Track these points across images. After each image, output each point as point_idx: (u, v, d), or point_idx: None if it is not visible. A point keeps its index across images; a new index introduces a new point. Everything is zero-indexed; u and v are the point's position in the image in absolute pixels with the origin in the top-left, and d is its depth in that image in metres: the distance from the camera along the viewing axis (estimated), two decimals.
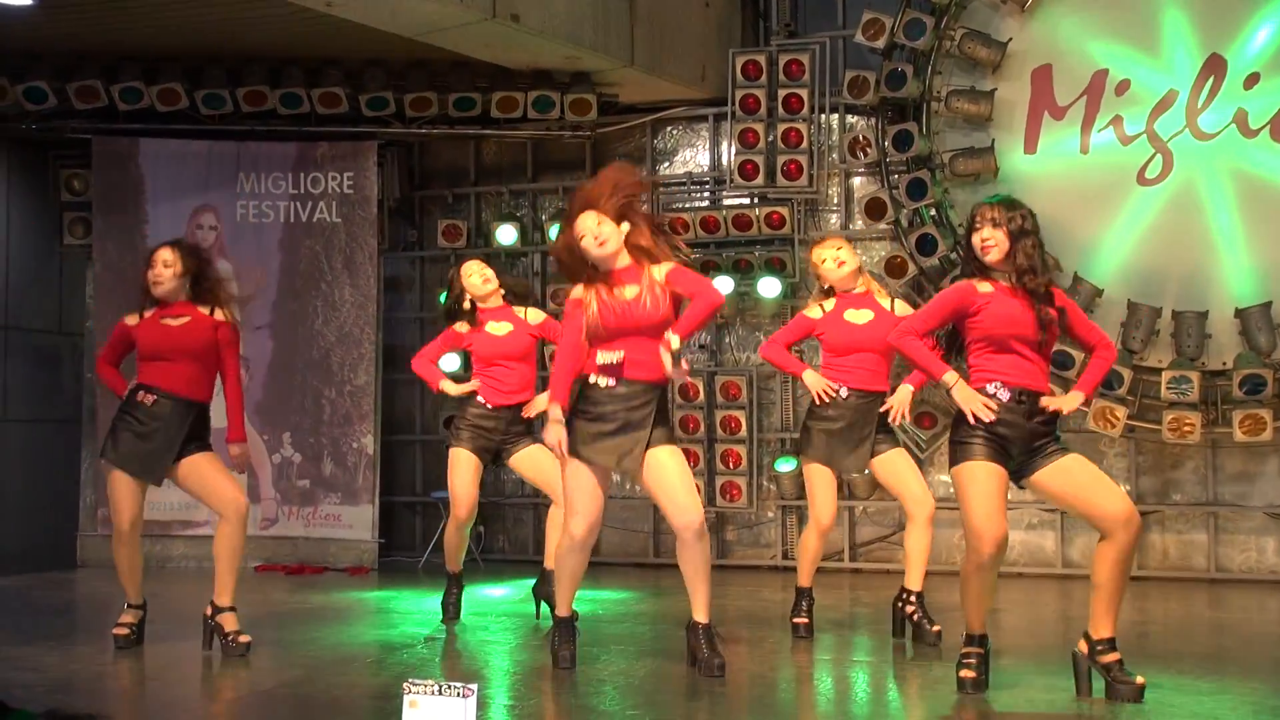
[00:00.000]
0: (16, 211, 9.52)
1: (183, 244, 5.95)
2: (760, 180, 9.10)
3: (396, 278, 10.24)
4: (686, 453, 8.95)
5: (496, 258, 9.86)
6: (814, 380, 6.09)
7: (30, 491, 9.44)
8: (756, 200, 9.29)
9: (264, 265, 9.49)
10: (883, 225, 8.93)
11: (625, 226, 5.14)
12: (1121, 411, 8.20)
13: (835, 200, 9.35)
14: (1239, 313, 8.23)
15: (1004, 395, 4.78)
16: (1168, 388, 8.14)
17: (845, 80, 8.97)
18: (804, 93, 9.09)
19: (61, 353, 9.83)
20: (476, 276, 6.67)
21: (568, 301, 5.21)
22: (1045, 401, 4.80)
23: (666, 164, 9.84)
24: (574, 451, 5.13)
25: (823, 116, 9.25)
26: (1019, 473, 4.82)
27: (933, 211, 8.81)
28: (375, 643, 6.34)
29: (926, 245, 8.68)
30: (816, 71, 9.15)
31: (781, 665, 5.70)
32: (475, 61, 8.89)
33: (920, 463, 8.80)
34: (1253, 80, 8.32)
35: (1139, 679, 4.74)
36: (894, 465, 6.07)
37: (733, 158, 9.20)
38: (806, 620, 6.20)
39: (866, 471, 6.27)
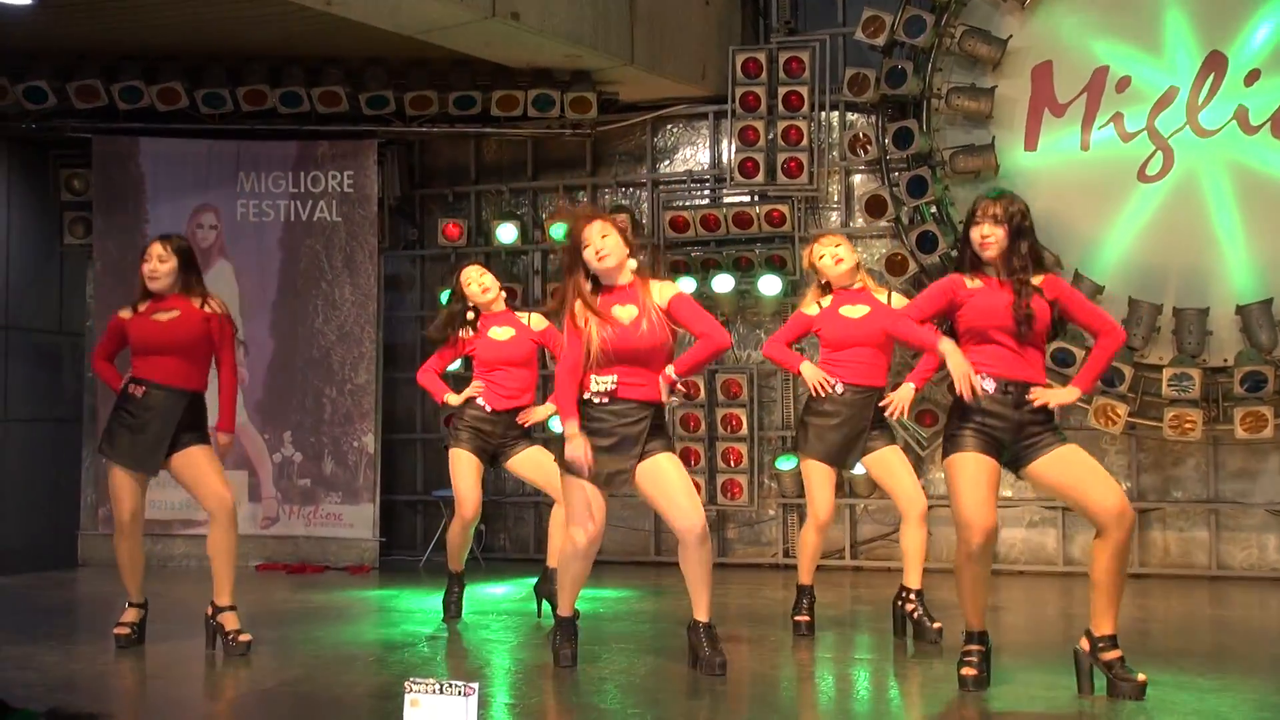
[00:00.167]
0: (17, 211, 9.51)
1: (174, 238, 5.98)
2: (761, 178, 9.10)
3: (397, 276, 10.23)
4: (687, 451, 9.07)
5: (497, 256, 9.88)
6: (810, 372, 6.11)
7: (31, 490, 9.44)
8: (757, 198, 9.29)
9: (264, 264, 9.48)
10: (883, 223, 8.93)
11: (633, 263, 5.15)
12: (1122, 408, 8.20)
13: (836, 198, 9.34)
14: (1240, 309, 8.22)
15: (989, 386, 4.79)
16: (1169, 385, 8.13)
17: (845, 78, 8.96)
18: (804, 90, 9.09)
19: (62, 352, 9.83)
20: (475, 285, 6.69)
21: (567, 320, 5.17)
22: (1034, 394, 4.78)
23: (667, 162, 9.83)
24: (571, 471, 5.14)
25: (823, 114, 9.25)
26: (1015, 463, 4.82)
27: (933, 209, 8.81)
28: (376, 641, 6.34)
29: (927, 243, 8.68)
30: (817, 69, 9.15)
31: (783, 663, 5.70)
32: (475, 60, 8.88)
33: (920, 461, 8.82)
34: (1253, 77, 8.32)
35: (1140, 676, 4.74)
36: (887, 462, 6.07)
37: (733, 155, 9.20)
38: (808, 618, 6.20)
39: (861, 470, 6.27)
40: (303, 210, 9.50)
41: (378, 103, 9.19)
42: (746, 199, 9.35)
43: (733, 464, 9.17)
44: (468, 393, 6.67)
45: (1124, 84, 8.54)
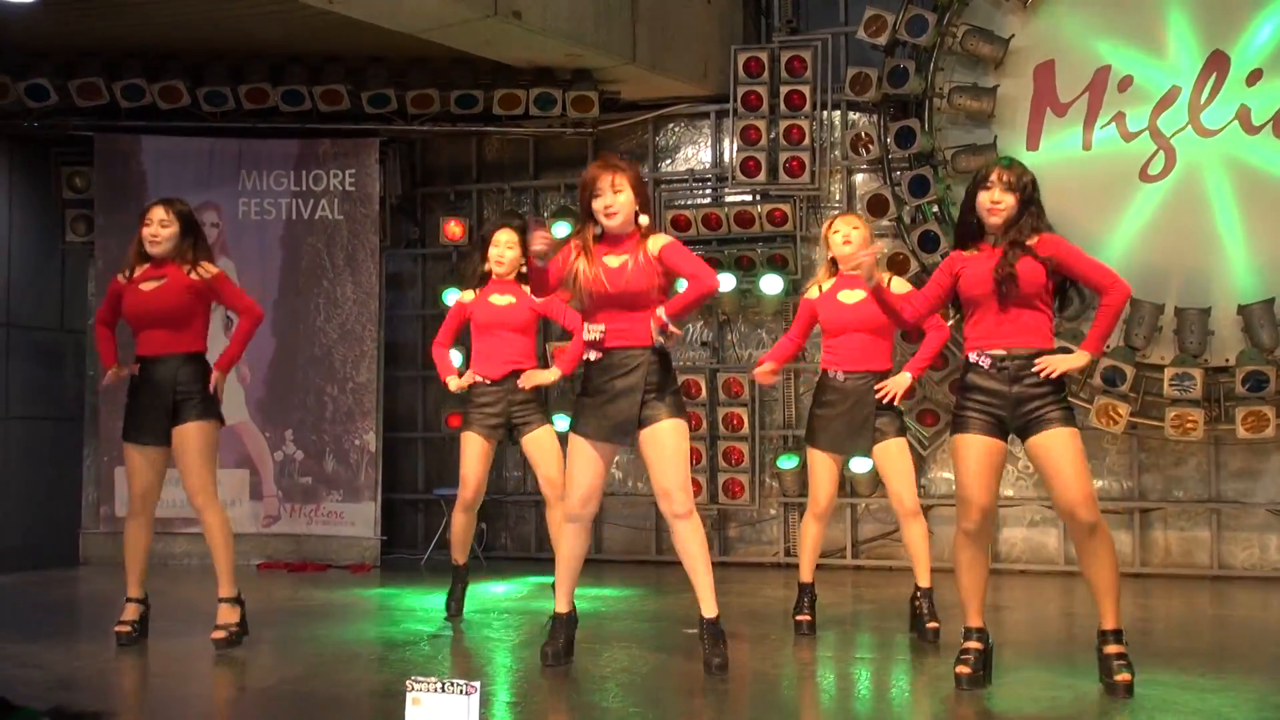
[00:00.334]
0: (18, 209, 9.50)
1: (175, 201, 5.91)
2: (762, 177, 9.09)
3: (398, 275, 10.23)
4: (690, 450, 9.02)
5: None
6: (764, 367, 6.18)
7: (32, 489, 9.44)
8: (759, 197, 9.28)
9: (266, 263, 9.48)
10: (885, 222, 8.93)
11: (643, 219, 5.13)
12: (1124, 408, 8.19)
13: (837, 197, 9.34)
14: (1242, 309, 8.21)
15: (985, 362, 4.78)
16: (1170, 384, 8.12)
17: (847, 77, 8.96)
18: (806, 89, 9.08)
19: (63, 350, 9.82)
20: (497, 249, 6.63)
21: (565, 266, 5.16)
22: (1040, 362, 4.72)
23: (669, 161, 9.83)
24: (574, 428, 5.17)
25: (825, 113, 9.24)
26: (1022, 433, 4.78)
27: (935, 208, 8.80)
28: (378, 640, 6.33)
29: (929, 242, 8.67)
30: (819, 68, 9.14)
31: (784, 662, 5.69)
32: (477, 58, 8.87)
33: (922, 460, 8.82)
34: (1255, 77, 8.31)
35: (1122, 675, 4.70)
36: (887, 454, 6.05)
37: (735, 155, 9.19)
38: (808, 617, 6.19)
39: (862, 469, 6.26)
40: (304, 208, 9.50)
41: (379, 101, 9.18)
42: (748, 198, 9.35)
43: (734, 463, 9.16)
44: (466, 380, 6.65)
45: (1126, 83, 8.54)
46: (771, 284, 9.11)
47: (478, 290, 6.68)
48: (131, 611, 5.90)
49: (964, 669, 4.85)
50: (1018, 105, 8.72)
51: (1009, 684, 4.97)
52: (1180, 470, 8.63)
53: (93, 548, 9.49)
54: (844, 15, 9.38)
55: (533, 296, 6.55)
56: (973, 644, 4.89)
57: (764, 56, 9.16)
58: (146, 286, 5.78)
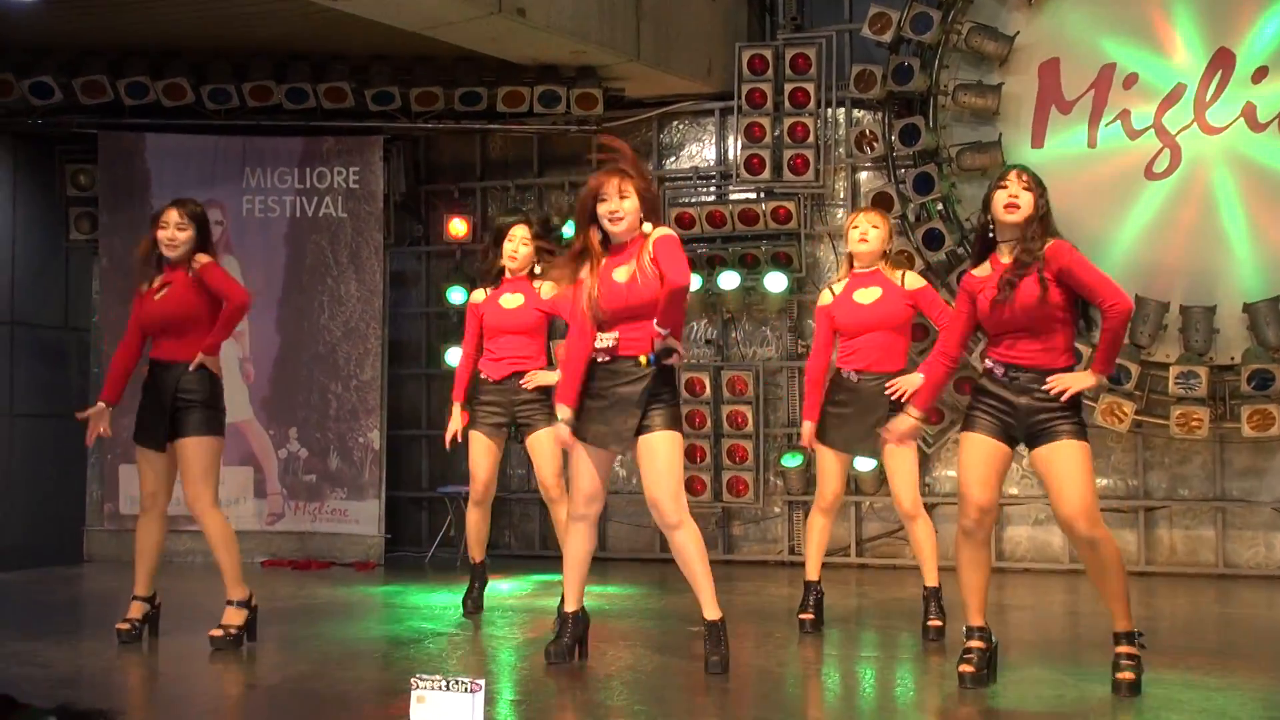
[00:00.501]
0: (22, 207, 9.50)
1: (188, 203, 5.87)
2: (767, 175, 9.08)
3: (402, 273, 10.22)
4: (693, 448, 9.04)
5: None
6: (805, 432, 6.20)
7: (36, 486, 9.44)
8: (763, 195, 9.27)
9: (270, 260, 9.47)
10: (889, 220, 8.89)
11: (647, 226, 5.10)
12: (1129, 406, 8.17)
13: (842, 195, 9.32)
14: (1247, 307, 8.20)
15: (998, 371, 4.80)
16: (1175, 383, 8.11)
17: (852, 74, 8.93)
18: (810, 87, 9.06)
19: (67, 348, 9.82)
20: (510, 244, 6.58)
21: (573, 290, 5.18)
22: (1053, 381, 4.71)
23: (673, 158, 9.82)
24: (575, 431, 5.17)
25: (829, 111, 9.22)
26: (1029, 442, 4.78)
27: (939, 206, 8.79)
28: (382, 638, 6.33)
29: (933, 240, 8.66)
30: (823, 66, 9.12)
31: (788, 660, 5.68)
32: (481, 56, 8.86)
33: (926, 458, 8.81)
34: (1261, 74, 8.29)
35: (1123, 674, 4.70)
36: (892, 455, 6.01)
37: (739, 152, 9.18)
38: (811, 615, 6.18)
39: (867, 467, 6.25)
40: (308, 206, 9.49)
41: (383, 99, 9.17)
42: (752, 196, 9.33)
43: (738, 461, 9.15)
44: (453, 428, 6.63)
45: (1131, 81, 8.52)
46: (776, 282, 9.09)
47: (491, 289, 6.66)
48: (135, 610, 5.89)
49: (967, 668, 4.84)
50: (1022, 103, 8.70)
51: (1014, 683, 4.95)
52: (1185, 469, 8.62)
53: (97, 545, 9.48)
54: (848, 12, 9.36)
55: (540, 293, 6.55)
56: (974, 643, 4.88)
57: (768, 54, 9.14)
58: (159, 295, 5.78)
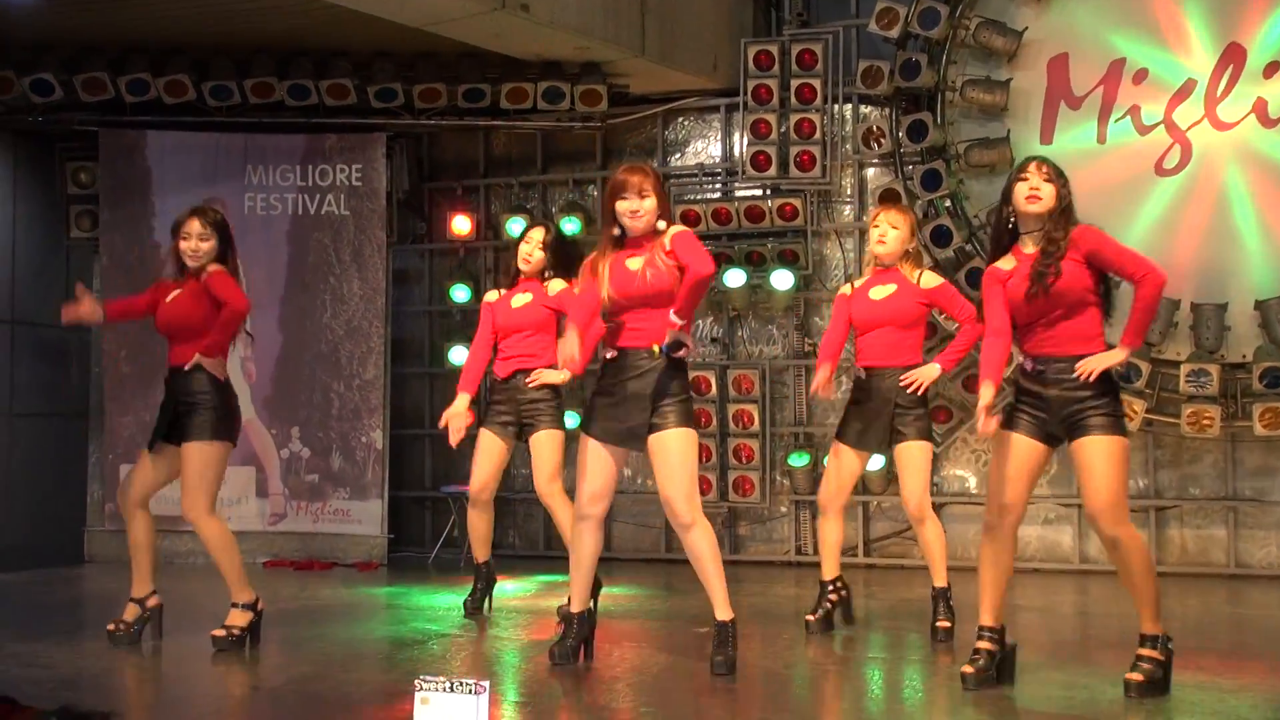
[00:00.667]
0: (23, 204, 9.46)
1: (208, 211, 5.86)
2: (773, 171, 9.02)
3: (405, 271, 10.17)
4: (699, 448, 8.95)
5: (507, 250, 9.79)
6: (817, 378, 6.08)
7: (37, 486, 9.40)
8: (769, 192, 9.22)
9: (272, 258, 9.42)
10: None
11: (661, 224, 5.09)
12: (1140, 405, 8.11)
13: (849, 191, 9.27)
14: (1259, 304, 8.14)
15: (1028, 366, 4.77)
16: (1186, 381, 8.06)
17: (859, 70, 8.88)
18: (817, 83, 9.01)
19: (68, 347, 9.77)
20: (525, 246, 6.61)
21: (583, 266, 5.23)
22: (1081, 366, 4.65)
23: (678, 155, 9.76)
24: (584, 427, 5.15)
25: (836, 107, 9.17)
26: (1067, 436, 4.73)
27: (947, 203, 8.74)
28: (385, 639, 6.30)
29: (941, 237, 8.60)
30: (830, 61, 9.07)
31: (795, 662, 5.65)
32: (484, 52, 8.82)
33: (934, 457, 8.73)
34: (1272, 69, 8.23)
35: (1132, 674, 4.67)
36: (902, 456, 6.01)
37: (745, 149, 9.13)
38: (813, 616, 6.14)
39: (874, 466, 6.20)
40: (310, 204, 9.44)
41: (386, 95, 9.13)
42: (758, 193, 9.28)
43: (744, 460, 9.10)
44: (453, 412, 6.42)
45: (1141, 76, 8.46)
46: (782, 279, 9.04)
47: (506, 289, 6.67)
48: (129, 611, 5.86)
49: (968, 668, 4.81)
50: (1031, 98, 8.65)
51: (1023, 683, 4.91)
52: (1196, 468, 8.56)
53: (98, 546, 9.45)
54: (855, 8, 9.31)
55: (547, 291, 6.55)
56: (982, 644, 4.84)
57: (774, 49, 9.09)
58: (170, 298, 5.78)
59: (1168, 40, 8.45)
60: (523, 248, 6.62)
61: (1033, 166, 4.80)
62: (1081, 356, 4.68)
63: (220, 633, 5.67)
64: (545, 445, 6.48)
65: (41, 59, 8.94)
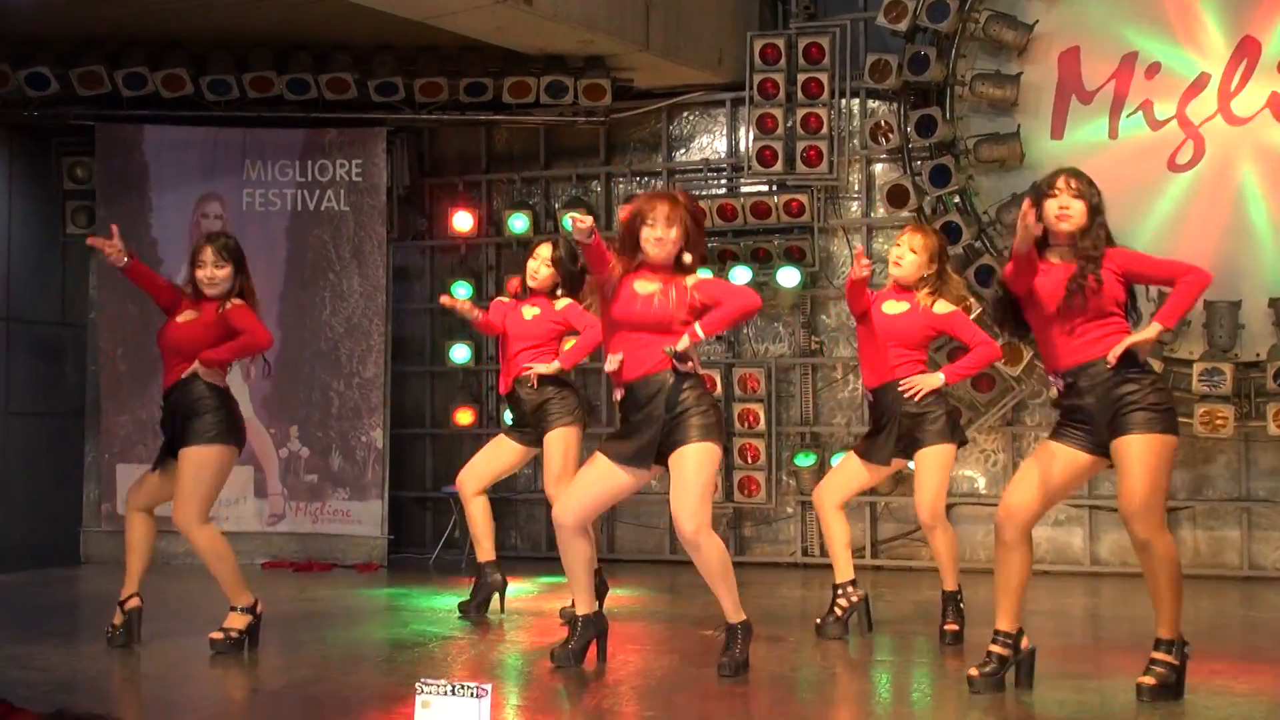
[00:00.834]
0: (18, 200, 9.39)
1: (222, 239, 5.84)
2: (779, 167, 8.93)
3: (406, 267, 10.08)
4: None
5: (509, 247, 9.74)
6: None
7: (32, 486, 9.33)
8: (775, 187, 9.13)
9: (271, 255, 9.33)
10: (905, 213, 8.77)
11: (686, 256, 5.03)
12: None
13: (856, 187, 9.18)
14: (1273, 302, 8.06)
15: (1060, 384, 4.71)
16: (1199, 380, 7.98)
17: (866, 64, 8.80)
18: (824, 77, 8.93)
19: (64, 345, 9.71)
20: (532, 263, 6.64)
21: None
22: (1114, 353, 4.54)
23: (683, 150, 9.68)
24: (602, 444, 5.13)
25: (843, 101, 9.08)
26: (1112, 437, 4.61)
27: (956, 199, 8.66)
28: (386, 641, 6.26)
29: (950, 233, 8.47)
30: (837, 55, 8.97)
31: (801, 665, 5.58)
32: (486, 45, 8.75)
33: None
34: None
35: (1143, 677, 4.61)
36: (920, 463, 5.94)
37: (751, 144, 9.04)
38: (820, 620, 6.08)
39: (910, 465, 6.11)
40: (310, 199, 9.37)
41: (387, 89, 9.06)
42: (764, 188, 9.18)
43: (750, 461, 9.01)
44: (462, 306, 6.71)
45: (1153, 70, 8.37)
46: (788, 277, 8.96)
47: (519, 300, 6.70)
48: (117, 615, 5.82)
49: (973, 671, 4.76)
50: (1042, 93, 8.56)
51: (1034, 686, 4.84)
52: (1209, 468, 8.48)
53: (94, 546, 9.37)
54: (863, 0, 9.22)
55: (554, 306, 6.56)
56: (994, 648, 4.77)
57: (780, 43, 9.00)
58: (182, 318, 5.77)
59: (1180, 34, 8.36)
60: (530, 264, 6.64)
61: (1060, 182, 4.69)
62: (1094, 361, 4.60)
63: (218, 635, 5.63)
64: (554, 444, 6.50)
65: (37, 53, 8.87)
